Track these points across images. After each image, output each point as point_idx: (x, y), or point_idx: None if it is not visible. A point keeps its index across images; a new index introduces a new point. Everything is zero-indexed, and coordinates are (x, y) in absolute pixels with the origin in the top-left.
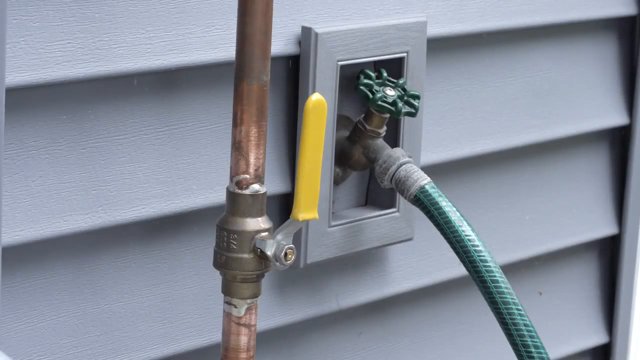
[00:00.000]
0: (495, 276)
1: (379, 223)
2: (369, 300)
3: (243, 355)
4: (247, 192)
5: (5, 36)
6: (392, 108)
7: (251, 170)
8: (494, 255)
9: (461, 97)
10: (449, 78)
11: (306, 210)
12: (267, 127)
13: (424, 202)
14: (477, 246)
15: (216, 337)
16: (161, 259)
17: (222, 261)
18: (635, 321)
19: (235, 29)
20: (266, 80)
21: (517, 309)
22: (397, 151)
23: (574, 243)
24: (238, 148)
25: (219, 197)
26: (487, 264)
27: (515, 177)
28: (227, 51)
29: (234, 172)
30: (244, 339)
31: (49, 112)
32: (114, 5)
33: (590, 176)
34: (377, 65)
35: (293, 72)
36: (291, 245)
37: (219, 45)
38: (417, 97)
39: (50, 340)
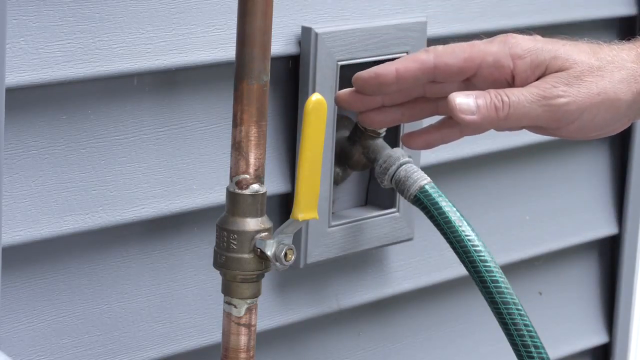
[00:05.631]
0: (495, 276)
1: (379, 223)
2: (369, 300)
3: (243, 355)
4: (247, 192)
5: (5, 36)
6: None
7: (251, 170)
8: (494, 255)
9: None
10: None
11: (306, 210)
12: (267, 127)
13: (424, 202)
14: (477, 246)
15: (216, 337)
16: (161, 259)
17: (222, 261)
18: (635, 321)
19: (235, 29)
20: (266, 80)
21: (517, 309)
22: (397, 151)
23: (574, 243)
24: (238, 148)
25: (219, 197)
26: (487, 264)
27: (515, 177)
28: (227, 51)
29: (234, 172)
30: (244, 339)
31: (49, 112)
32: (114, 5)
33: (590, 176)
34: None
35: (293, 72)
36: (291, 246)
37: (219, 45)
38: None
39: (50, 340)
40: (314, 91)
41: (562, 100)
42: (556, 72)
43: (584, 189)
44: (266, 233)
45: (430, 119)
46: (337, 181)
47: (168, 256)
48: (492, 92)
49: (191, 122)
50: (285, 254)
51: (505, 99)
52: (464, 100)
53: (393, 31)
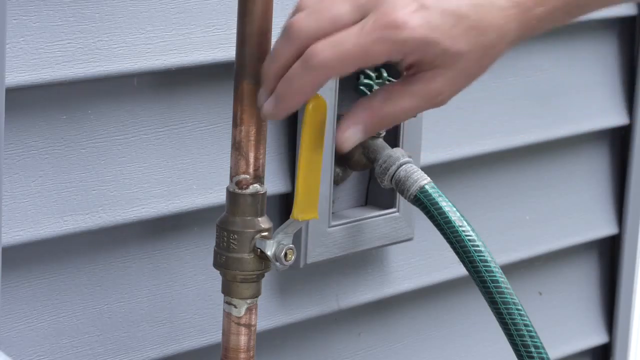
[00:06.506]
0: (495, 276)
1: (379, 223)
2: (369, 300)
3: (243, 355)
4: (247, 192)
5: (5, 36)
6: None
7: (251, 170)
8: (494, 255)
9: (461, 97)
10: None
11: (306, 210)
12: (267, 127)
13: (424, 202)
14: (477, 246)
15: (216, 337)
16: (161, 259)
17: (222, 261)
18: (635, 321)
19: (235, 29)
20: None
21: (517, 309)
22: (397, 151)
23: (574, 243)
24: (238, 148)
25: (219, 197)
26: (487, 264)
27: (515, 177)
28: (227, 51)
29: (234, 172)
30: (243, 339)
31: (49, 112)
32: (114, 5)
33: (590, 176)
34: (377, 65)
35: None
36: (291, 246)
37: (219, 45)
38: None
39: (50, 340)
40: None
41: (442, 98)
42: (442, 66)
43: (584, 189)
44: (266, 233)
45: None
46: (337, 181)
47: (168, 256)
48: (375, 110)
49: (191, 122)
50: (285, 254)
51: (386, 118)
52: (350, 136)
53: None
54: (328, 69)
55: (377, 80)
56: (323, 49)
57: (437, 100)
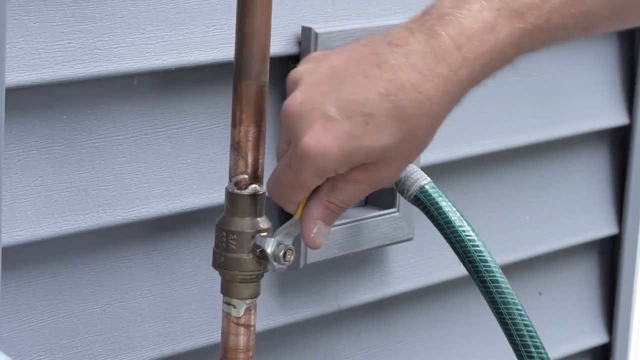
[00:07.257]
0: (495, 276)
1: (379, 223)
2: (369, 300)
3: (242, 355)
4: (246, 192)
5: (5, 36)
6: None
7: (250, 170)
8: (494, 255)
9: None
10: None
11: None
12: (267, 127)
13: (424, 202)
14: (477, 246)
15: (216, 337)
16: (161, 259)
17: (221, 261)
18: (635, 321)
19: (235, 29)
20: (265, 81)
21: (517, 309)
22: None
23: (574, 243)
24: (237, 148)
25: (219, 197)
26: (487, 264)
27: (515, 177)
28: (227, 51)
29: (233, 173)
30: (243, 339)
31: (49, 112)
32: (114, 5)
33: (590, 176)
34: None
35: None
36: (290, 246)
37: (219, 45)
38: None
39: (50, 340)
40: None
41: (386, 182)
42: (375, 160)
43: (584, 189)
44: (265, 233)
45: None
46: None
47: (168, 256)
48: (323, 201)
49: (191, 122)
50: (285, 254)
51: (338, 206)
52: (316, 237)
53: None
54: (282, 202)
55: None
56: (272, 189)
57: (382, 184)
